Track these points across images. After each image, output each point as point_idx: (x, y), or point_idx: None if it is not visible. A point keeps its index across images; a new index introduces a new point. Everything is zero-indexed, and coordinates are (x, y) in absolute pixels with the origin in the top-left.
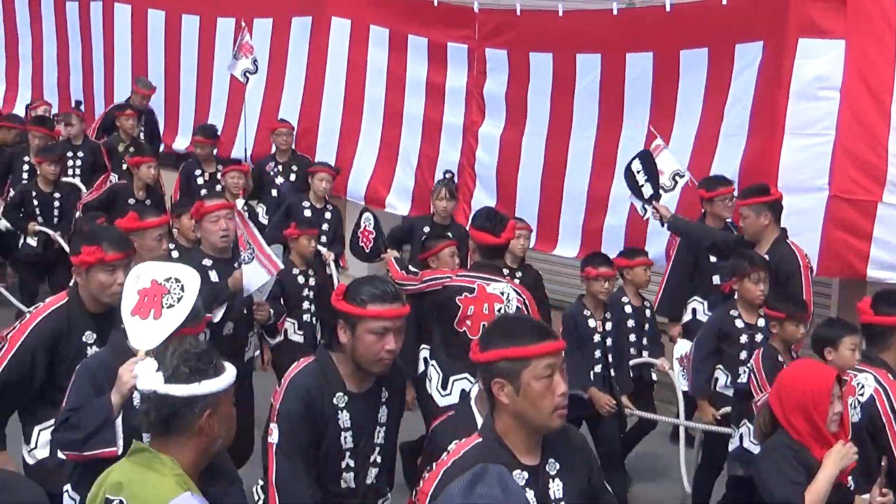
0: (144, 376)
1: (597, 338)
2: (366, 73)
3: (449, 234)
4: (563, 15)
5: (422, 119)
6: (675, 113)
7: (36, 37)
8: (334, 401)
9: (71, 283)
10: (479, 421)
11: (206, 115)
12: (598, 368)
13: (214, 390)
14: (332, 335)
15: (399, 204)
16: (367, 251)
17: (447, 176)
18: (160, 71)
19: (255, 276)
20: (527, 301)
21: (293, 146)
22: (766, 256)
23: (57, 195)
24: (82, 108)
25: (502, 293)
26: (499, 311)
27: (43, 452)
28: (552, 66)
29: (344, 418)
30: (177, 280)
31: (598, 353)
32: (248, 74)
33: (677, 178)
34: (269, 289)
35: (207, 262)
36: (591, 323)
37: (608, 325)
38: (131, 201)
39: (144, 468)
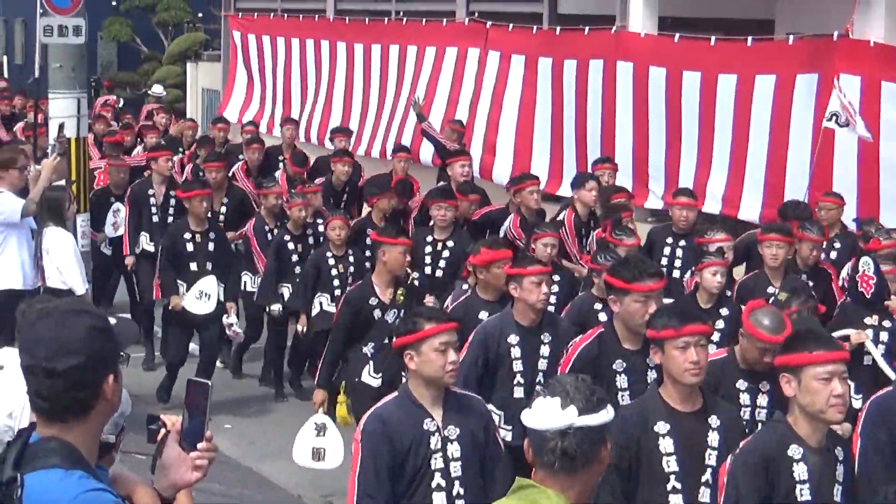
0: (550, 415)
1: None
2: (879, 130)
3: None
4: None
5: None
6: None
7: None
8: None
9: None
10: None
11: (707, 174)
12: None
13: (612, 418)
14: None
15: None
16: (868, 297)
17: None
18: (661, 128)
19: None
20: None
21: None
22: None
23: None
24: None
25: None
26: None
27: None
28: None
29: None
30: None
31: None
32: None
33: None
34: None
35: None
36: None
37: None
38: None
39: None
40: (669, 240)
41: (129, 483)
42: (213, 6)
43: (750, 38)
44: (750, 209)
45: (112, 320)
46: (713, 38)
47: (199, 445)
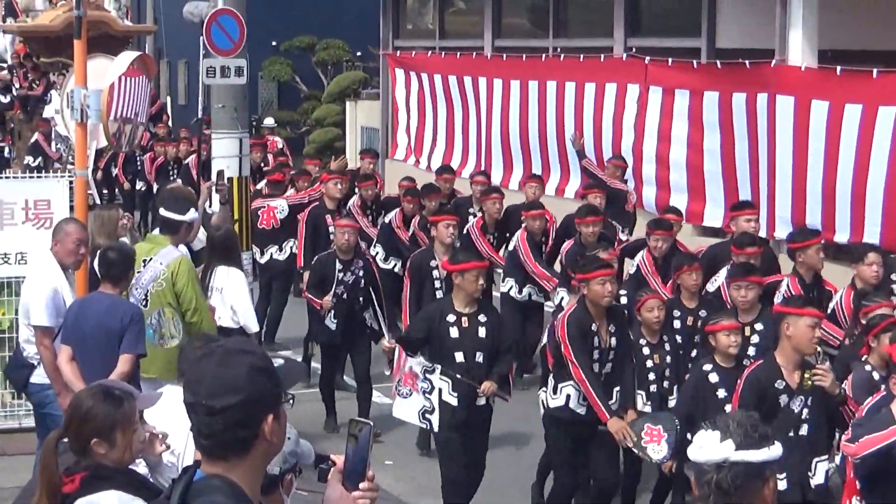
0: (709, 448)
1: None
2: None
3: None
4: None
5: None
6: None
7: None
8: None
9: None
10: None
11: (863, 208)
12: None
13: (777, 456)
14: None
15: None
16: None
17: None
18: (819, 162)
19: None
20: None
21: None
22: None
23: None
24: None
25: None
26: None
27: None
28: None
29: None
30: None
31: None
32: None
33: None
34: None
35: None
36: None
37: None
38: None
39: None
40: None
41: None
42: (371, 45)
43: None
44: None
45: (279, 361)
46: (875, 70)
47: (362, 485)
